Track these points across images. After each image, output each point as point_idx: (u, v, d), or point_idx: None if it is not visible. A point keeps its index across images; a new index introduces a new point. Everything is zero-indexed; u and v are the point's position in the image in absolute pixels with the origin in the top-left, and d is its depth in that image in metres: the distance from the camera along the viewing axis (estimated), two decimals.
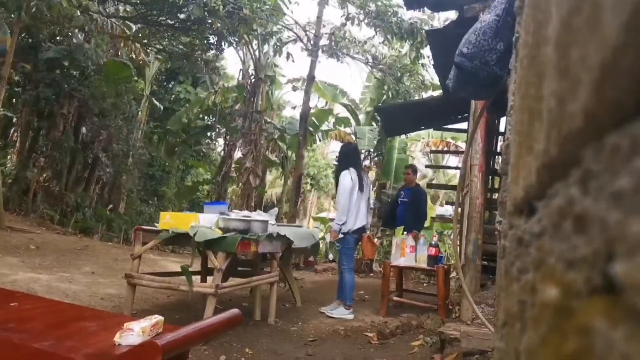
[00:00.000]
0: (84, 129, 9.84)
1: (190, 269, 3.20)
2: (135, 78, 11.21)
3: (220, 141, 14.40)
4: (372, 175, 13.90)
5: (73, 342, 1.72)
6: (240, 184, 11.93)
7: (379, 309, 4.43)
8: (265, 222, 3.56)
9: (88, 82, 9.72)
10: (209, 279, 3.66)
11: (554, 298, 0.19)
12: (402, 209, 5.81)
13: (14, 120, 10.30)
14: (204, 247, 3.16)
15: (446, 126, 7.43)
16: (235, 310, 2.23)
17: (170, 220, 3.33)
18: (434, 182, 16.80)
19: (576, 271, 0.17)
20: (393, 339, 3.58)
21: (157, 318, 1.93)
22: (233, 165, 12.93)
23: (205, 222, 3.33)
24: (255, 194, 11.31)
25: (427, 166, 13.40)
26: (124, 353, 1.62)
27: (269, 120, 12.31)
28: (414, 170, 6.19)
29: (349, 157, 4.56)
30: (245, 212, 3.74)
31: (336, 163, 4.82)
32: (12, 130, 10.50)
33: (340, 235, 4.33)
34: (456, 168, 9.01)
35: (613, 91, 0.16)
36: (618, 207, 0.15)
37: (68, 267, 4.97)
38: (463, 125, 6.59)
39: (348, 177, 4.34)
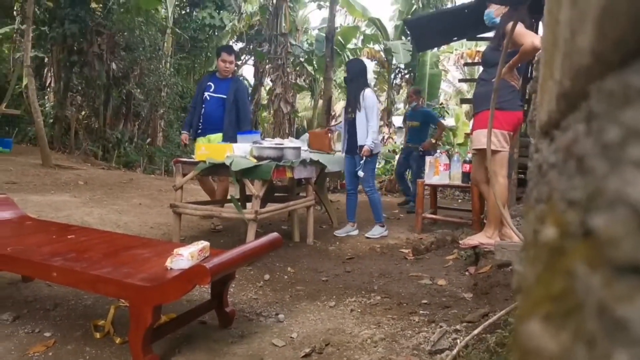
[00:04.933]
0: (114, 65, 9.90)
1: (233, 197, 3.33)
2: (157, 8, 10.96)
3: (249, 68, 14.26)
4: (403, 92, 13.48)
5: (129, 268, 1.88)
6: (272, 110, 11.92)
7: (414, 226, 4.53)
8: (298, 148, 3.60)
9: (112, 16, 9.65)
10: (248, 205, 3.81)
11: (551, 237, 0.19)
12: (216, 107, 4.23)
13: (46, 60, 10.46)
14: (241, 176, 3.25)
15: (480, 35, 6.94)
16: (275, 234, 2.34)
17: (205, 152, 3.42)
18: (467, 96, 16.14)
19: (573, 213, 0.18)
20: (428, 254, 3.69)
21: (204, 243, 2.07)
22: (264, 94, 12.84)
23: (240, 152, 3.40)
24: (287, 121, 11.32)
25: (460, 80, 12.85)
26: (176, 276, 1.76)
27: (294, 42, 11.96)
28: (236, 55, 4.63)
29: (363, 74, 4.33)
30: (278, 140, 3.78)
31: (348, 80, 4.43)
32: (45, 71, 10.70)
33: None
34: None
35: (614, 30, 0.16)
36: (605, 158, 0.15)
37: (116, 200, 5.26)
38: None
39: (374, 95, 4.26)
